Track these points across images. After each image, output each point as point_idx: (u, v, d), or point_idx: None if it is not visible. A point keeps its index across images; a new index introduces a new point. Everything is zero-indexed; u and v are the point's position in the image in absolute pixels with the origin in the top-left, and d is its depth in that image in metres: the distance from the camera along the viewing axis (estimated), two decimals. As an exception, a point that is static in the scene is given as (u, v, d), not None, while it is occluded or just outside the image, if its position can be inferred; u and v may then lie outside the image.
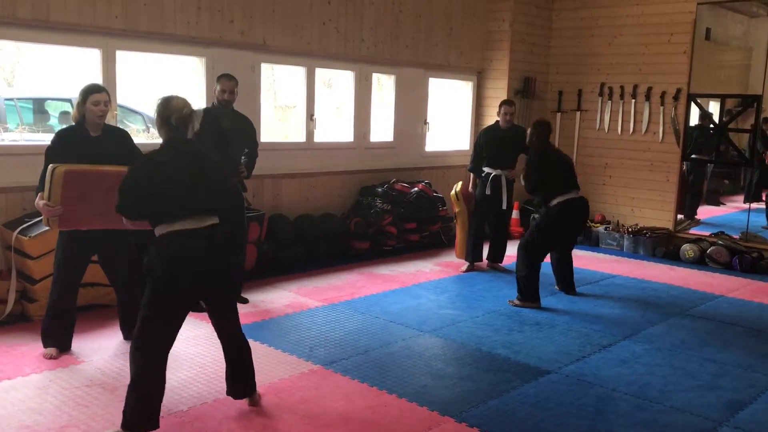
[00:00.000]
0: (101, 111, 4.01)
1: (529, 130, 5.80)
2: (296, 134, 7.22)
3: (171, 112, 3.17)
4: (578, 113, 8.73)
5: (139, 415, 3.12)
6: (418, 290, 5.96)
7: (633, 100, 8.27)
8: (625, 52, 8.31)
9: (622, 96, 8.36)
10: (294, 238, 6.57)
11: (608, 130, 8.53)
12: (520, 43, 8.54)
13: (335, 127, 7.81)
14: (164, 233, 3.14)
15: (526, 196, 7.92)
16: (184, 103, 3.23)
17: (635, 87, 8.24)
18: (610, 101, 8.47)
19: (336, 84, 7.91)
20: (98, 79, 5.43)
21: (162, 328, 3.17)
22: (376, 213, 7.12)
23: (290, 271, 6.35)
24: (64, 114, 7.70)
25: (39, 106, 7.94)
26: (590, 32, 8.57)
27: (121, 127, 4.75)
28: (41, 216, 4.71)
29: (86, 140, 4.04)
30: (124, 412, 3.14)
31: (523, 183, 5.75)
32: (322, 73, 7.34)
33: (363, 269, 6.61)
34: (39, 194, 3.89)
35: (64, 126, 4.28)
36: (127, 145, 4.21)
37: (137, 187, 3.12)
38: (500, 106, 6.57)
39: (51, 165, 3.83)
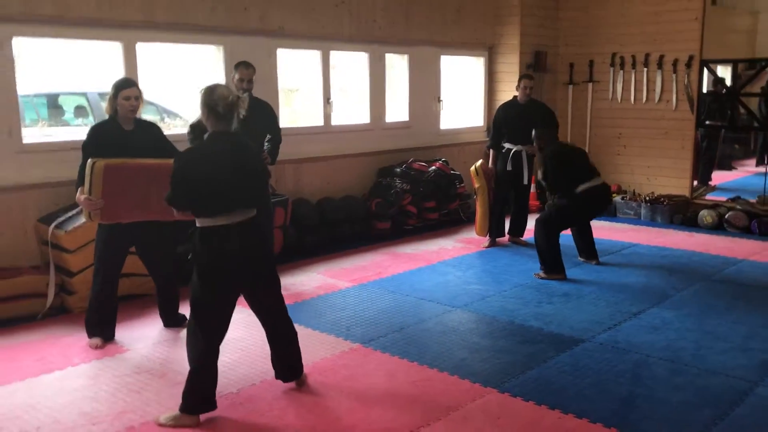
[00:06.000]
0: (132, 106, 4.08)
1: (534, 135, 5.89)
2: (304, 118, 7.24)
3: (218, 100, 3.20)
4: (590, 84, 8.75)
5: (199, 398, 3.25)
6: (443, 267, 6.05)
7: (645, 69, 8.27)
8: (635, 21, 8.29)
9: (633, 65, 8.36)
10: (318, 221, 6.65)
11: (621, 100, 8.54)
12: (530, 16, 8.53)
13: (342, 109, 7.80)
14: (207, 226, 3.22)
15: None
16: (229, 91, 3.28)
17: (647, 56, 8.24)
18: (621, 71, 8.48)
19: (339, 66, 7.86)
20: (120, 73, 5.49)
21: (212, 308, 3.27)
22: (396, 193, 7.19)
23: (316, 253, 6.44)
24: (79, 109, 7.73)
25: (53, 102, 7.97)
26: (600, 3, 8.55)
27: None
28: (76, 210, 4.82)
29: (120, 134, 4.11)
30: (184, 395, 3.26)
31: (541, 180, 5.85)
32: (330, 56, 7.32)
33: (386, 249, 6.70)
34: (80, 189, 3.96)
35: (87, 120, 4.34)
36: (160, 139, 4.30)
37: (186, 179, 3.19)
38: (520, 79, 6.59)
39: (90, 159, 3.90)
